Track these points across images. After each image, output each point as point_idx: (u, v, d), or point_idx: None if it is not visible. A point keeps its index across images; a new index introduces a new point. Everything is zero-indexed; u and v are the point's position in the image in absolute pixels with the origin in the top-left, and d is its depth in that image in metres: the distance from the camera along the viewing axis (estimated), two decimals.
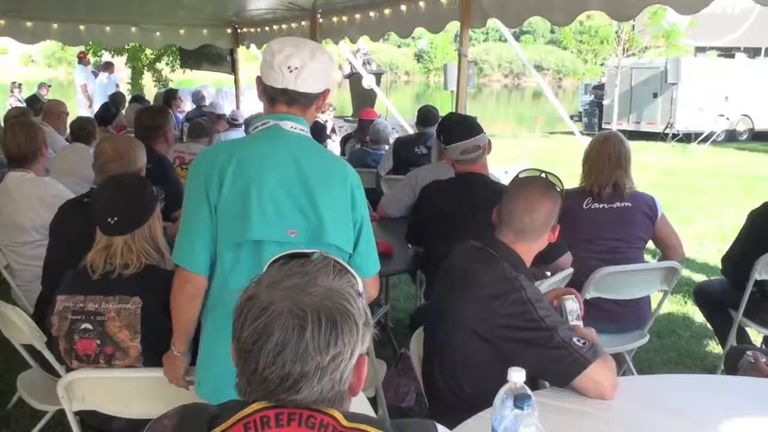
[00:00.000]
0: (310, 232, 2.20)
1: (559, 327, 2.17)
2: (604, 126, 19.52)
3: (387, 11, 6.95)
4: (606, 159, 3.71)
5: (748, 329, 4.17)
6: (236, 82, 11.21)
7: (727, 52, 20.78)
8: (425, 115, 6.59)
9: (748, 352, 2.87)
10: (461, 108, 6.01)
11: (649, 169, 14.07)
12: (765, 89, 17.78)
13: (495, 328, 2.21)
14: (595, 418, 2.02)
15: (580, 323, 2.43)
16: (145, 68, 16.61)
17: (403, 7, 6.66)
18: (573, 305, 2.46)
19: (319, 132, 5.07)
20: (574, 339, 2.15)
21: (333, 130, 13.40)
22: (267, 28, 9.85)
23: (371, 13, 7.25)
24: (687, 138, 18.21)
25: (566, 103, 38.68)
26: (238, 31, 10.63)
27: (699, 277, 6.29)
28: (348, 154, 7.70)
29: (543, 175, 2.51)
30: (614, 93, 18.08)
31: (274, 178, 2.18)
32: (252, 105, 15.98)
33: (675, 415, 2.03)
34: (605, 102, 19.62)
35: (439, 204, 3.47)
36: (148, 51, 15.69)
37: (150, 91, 16.68)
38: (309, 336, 1.11)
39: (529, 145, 17.59)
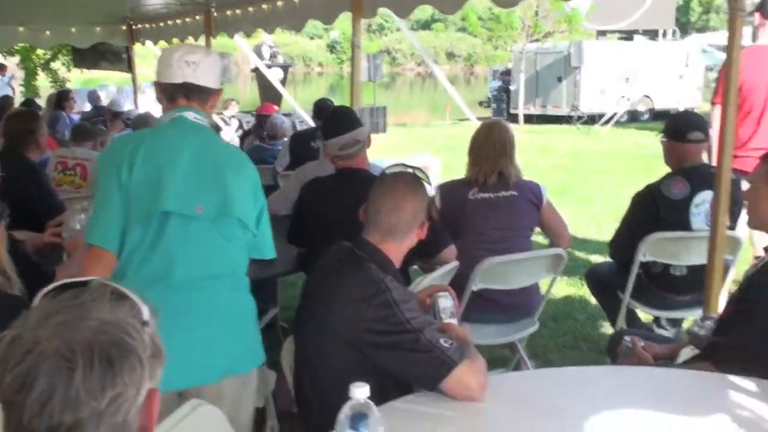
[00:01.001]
0: (217, 207, 2.36)
1: (426, 328, 2.10)
2: (512, 111, 19.79)
3: (280, 3, 6.79)
4: (491, 147, 3.70)
5: (638, 311, 4.22)
6: (133, 80, 10.85)
7: (627, 35, 21.35)
8: (320, 108, 6.49)
9: (626, 337, 2.88)
10: (357, 100, 5.91)
11: (554, 153, 14.34)
12: (663, 70, 18.32)
13: (361, 333, 2.13)
14: (458, 423, 1.97)
15: (455, 321, 2.38)
16: (39, 69, 15.90)
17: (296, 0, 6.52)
18: (446, 302, 2.40)
19: None
20: (441, 340, 2.08)
21: (240, 126, 13.16)
22: (162, 24, 9.54)
23: (264, 6, 7.07)
24: (591, 120, 18.62)
25: (478, 90, 39.13)
26: (133, 27, 10.26)
27: (596, 259, 6.39)
28: (245, 151, 7.54)
29: (410, 170, 2.45)
30: (520, 78, 18.32)
31: (186, 157, 2.34)
32: (152, 103, 15.64)
33: (544, 413, 1.99)
34: (512, 87, 19.88)
35: (319, 202, 3.37)
36: (40, 51, 15.01)
37: (46, 92, 16.03)
38: (79, 379, 0.96)
39: (439, 134, 17.68)
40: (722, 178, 3.34)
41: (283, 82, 17.09)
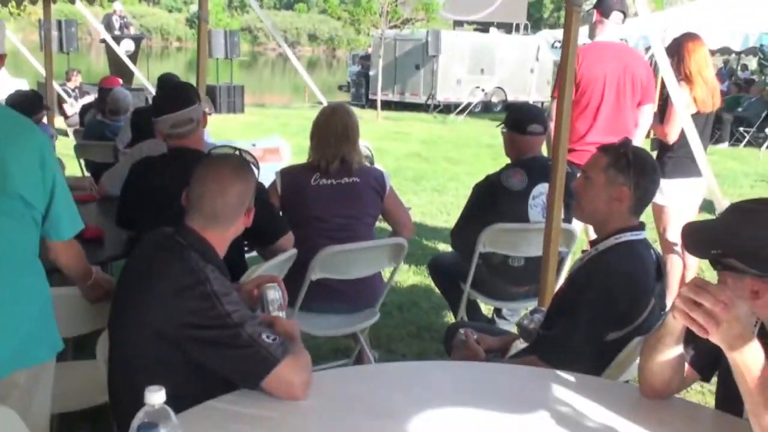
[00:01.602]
0: None
1: (247, 322, 1.97)
2: (371, 96, 19.84)
3: None
4: (332, 133, 3.59)
5: (479, 302, 4.27)
6: None
7: (483, 27, 21.89)
8: (164, 82, 6.16)
9: (461, 330, 2.88)
10: (203, 77, 5.65)
11: (410, 140, 14.49)
12: (516, 63, 18.89)
13: (178, 326, 1.97)
14: (278, 425, 1.86)
15: (282, 314, 2.26)
16: None
17: None
18: (275, 294, 2.28)
19: (31, 102, 4.52)
20: (264, 335, 1.96)
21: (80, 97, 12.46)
22: None
23: None
24: (447, 109, 18.96)
25: (340, 73, 39.04)
26: None
27: (445, 248, 6.46)
28: (85, 126, 7.10)
29: (237, 152, 2.31)
30: (378, 64, 18.39)
31: None
32: None
33: (367, 412, 1.92)
34: (371, 73, 19.92)
35: (147, 182, 3.14)
36: None
37: None
38: None
39: (296, 116, 17.46)
40: (557, 170, 3.41)
41: (135, 54, 16.36)
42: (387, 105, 19.83)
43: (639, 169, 2.45)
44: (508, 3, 20.66)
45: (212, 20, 56.59)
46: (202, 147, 3.20)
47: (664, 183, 4.84)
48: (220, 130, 14.23)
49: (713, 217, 2.33)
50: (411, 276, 5.69)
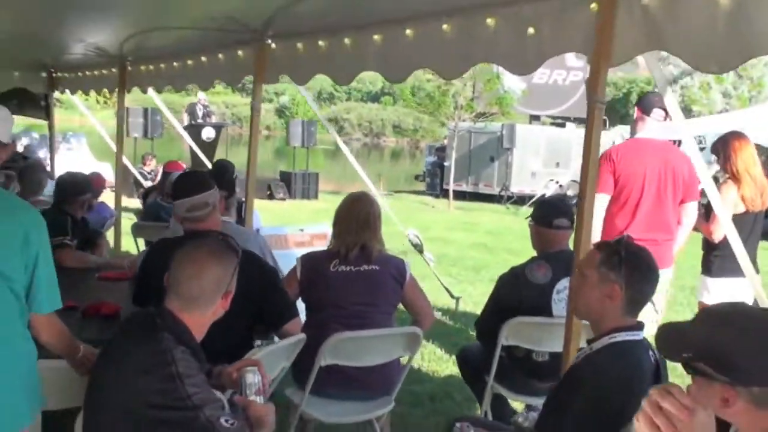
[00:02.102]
0: None
1: (207, 406, 1.98)
2: (445, 186, 19.96)
3: (189, 62, 6.76)
4: (354, 220, 3.63)
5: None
6: (51, 128, 10.60)
7: (559, 122, 21.92)
8: (220, 169, 6.38)
9: (457, 424, 2.79)
10: (253, 163, 5.81)
11: (477, 230, 14.44)
12: None
13: (142, 406, 1.99)
14: None
15: (260, 398, 2.26)
16: None
17: (204, 59, 6.50)
18: (253, 378, 2.28)
19: (76, 183, 4.74)
20: (222, 419, 1.96)
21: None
22: (80, 74, 9.41)
23: (175, 64, 7.03)
24: (521, 201, 18.88)
25: (421, 163, 39.63)
26: (53, 75, 10.10)
27: None
28: (145, 207, 7.36)
29: (219, 237, 2.35)
30: (452, 155, 18.59)
31: None
32: (73, 153, 15.31)
33: None
34: (446, 163, 20.11)
35: (162, 263, 3.21)
36: None
37: None
38: None
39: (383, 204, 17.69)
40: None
41: (215, 141, 17.03)
42: (461, 195, 19.91)
43: (631, 267, 2.37)
44: (585, 99, 20.68)
45: (300, 110, 58.38)
46: (219, 230, 3.28)
47: (711, 282, 4.69)
48: (290, 214, 14.56)
49: None
50: (450, 366, 5.58)
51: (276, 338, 3.32)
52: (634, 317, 2.42)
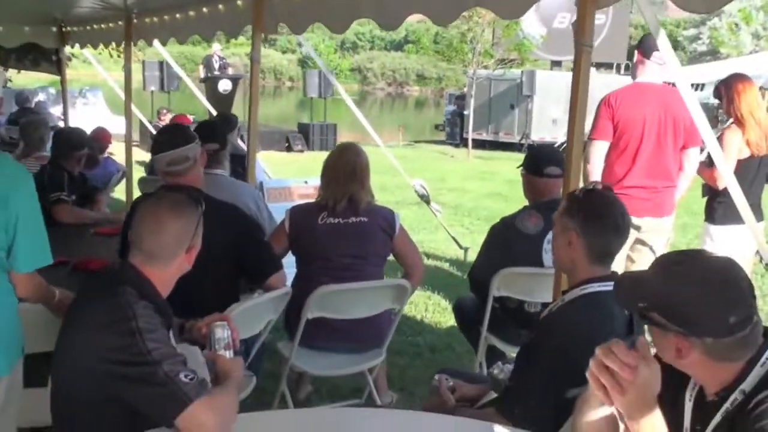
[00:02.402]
0: None
1: (167, 360, 1.97)
2: (465, 135, 19.77)
3: (192, 13, 6.68)
4: (341, 172, 3.59)
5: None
6: (63, 83, 10.59)
7: None
8: (223, 121, 6.36)
9: (436, 376, 2.77)
10: (254, 115, 5.77)
11: (495, 179, 14.32)
12: None
13: (100, 361, 1.99)
14: None
15: (228, 353, 2.25)
16: None
17: (205, 10, 6.42)
18: (222, 333, 2.27)
19: (69, 139, 4.73)
20: (182, 374, 1.95)
21: None
22: (89, 28, 9.36)
23: (178, 15, 6.95)
24: None
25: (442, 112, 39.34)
26: (63, 30, 10.05)
27: None
28: (150, 162, 7.37)
29: (182, 191, 2.33)
30: (470, 103, 18.36)
31: None
32: (87, 108, 15.34)
33: None
34: (466, 112, 19.87)
35: None
36: None
37: None
38: None
39: (383, 155, 17.61)
40: None
41: (233, 93, 16.97)
42: (481, 144, 19.71)
43: (585, 213, 2.32)
44: (608, 43, 20.24)
45: (326, 60, 57.93)
46: (200, 185, 3.25)
47: (714, 229, 4.60)
48: (307, 166, 14.52)
49: None
50: (448, 316, 5.57)
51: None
52: (605, 267, 2.36)
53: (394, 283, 3.52)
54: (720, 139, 4.51)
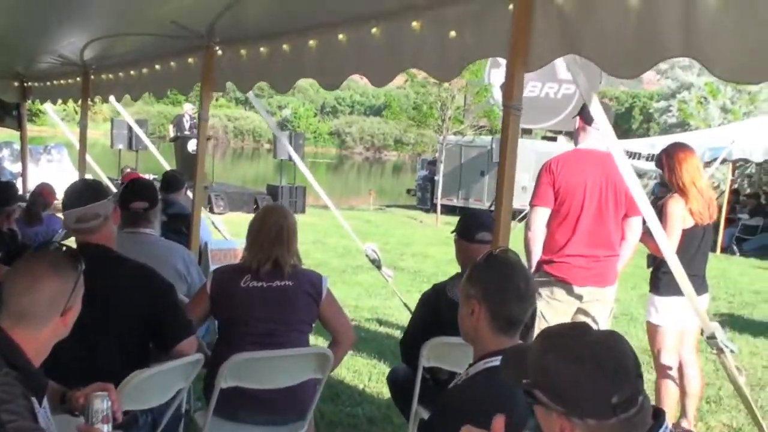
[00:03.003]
0: None
1: None
2: (435, 201, 19.78)
3: (144, 70, 6.64)
4: (266, 234, 3.46)
5: None
6: (23, 139, 10.48)
7: (550, 136, 21.76)
8: (168, 180, 6.25)
9: None
10: (201, 177, 5.68)
11: None
12: None
13: None
14: None
15: (105, 426, 2.09)
16: None
17: (157, 67, 6.37)
18: (100, 404, 2.11)
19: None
20: None
21: None
22: (48, 83, 9.30)
23: (132, 72, 6.91)
24: (512, 216, 18.65)
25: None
26: (25, 84, 9.98)
27: None
28: None
29: (62, 248, 2.18)
30: (440, 169, 18.42)
31: None
32: (48, 166, 15.16)
33: None
34: (437, 177, 19.93)
35: None
36: None
37: None
38: None
39: (355, 217, 17.55)
40: None
41: None
42: (452, 210, 19.70)
43: (486, 278, 2.20)
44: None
45: (302, 124, 58.44)
46: (112, 243, 3.11)
47: (659, 300, 4.51)
48: None
49: None
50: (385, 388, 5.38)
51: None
52: (512, 338, 2.23)
53: (315, 352, 3.36)
54: (663, 208, 4.46)
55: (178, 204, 6.10)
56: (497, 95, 18.95)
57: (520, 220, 18.10)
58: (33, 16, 5.76)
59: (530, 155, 19.56)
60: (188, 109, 16.95)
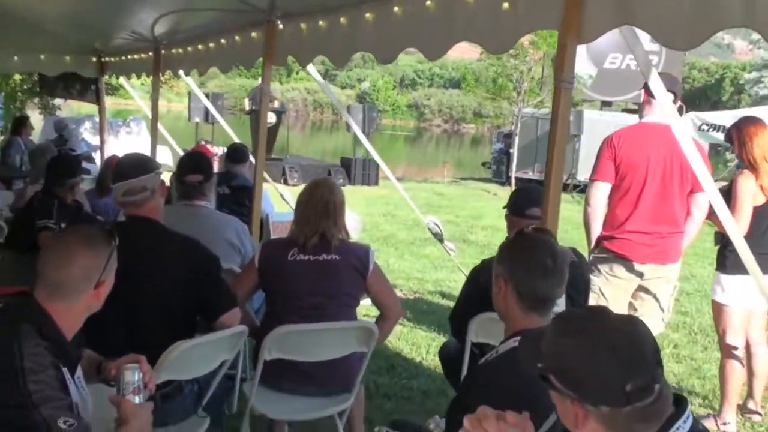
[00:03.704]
0: None
1: (47, 404, 1.85)
2: (510, 175, 19.52)
3: (212, 45, 6.72)
4: (312, 208, 3.46)
5: None
6: (101, 112, 10.78)
7: (631, 108, 21.09)
8: (233, 152, 6.33)
9: (376, 428, 2.61)
10: (261, 148, 5.71)
11: None
12: None
13: None
14: None
15: (137, 398, 2.12)
16: (21, 95, 15.53)
17: (223, 41, 6.45)
18: (131, 377, 2.14)
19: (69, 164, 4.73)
20: (60, 420, 1.84)
21: None
22: (123, 58, 9.53)
23: (200, 47, 7.01)
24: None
25: None
26: (103, 60, 10.26)
27: None
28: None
29: (97, 225, 2.22)
30: (515, 142, 18.13)
31: None
32: (126, 139, 15.59)
33: None
34: (512, 150, 19.63)
35: None
36: (17, 77, 14.80)
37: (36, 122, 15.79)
38: None
39: (428, 189, 17.51)
40: None
41: (277, 126, 17.11)
42: (527, 183, 19.40)
43: (511, 257, 2.14)
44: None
45: (381, 96, 58.39)
46: (158, 216, 3.15)
47: (725, 279, 4.34)
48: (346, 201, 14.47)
49: None
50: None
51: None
52: (543, 316, 2.15)
53: (359, 326, 3.35)
54: (733, 185, 4.27)
55: (242, 176, 6.17)
56: (577, 68, 18.48)
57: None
58: None
59: (609, 128, 19.05)
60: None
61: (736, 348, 4.32)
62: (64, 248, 2.10)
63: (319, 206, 3.44)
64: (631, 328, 1.48)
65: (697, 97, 66.91)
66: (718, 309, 4.39)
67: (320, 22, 4.85)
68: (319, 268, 3.42)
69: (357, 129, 7.47)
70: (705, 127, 15.12)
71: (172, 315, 3.02)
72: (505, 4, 3.30)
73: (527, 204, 3.48)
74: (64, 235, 2.16)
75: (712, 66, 72.51)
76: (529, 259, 2.14)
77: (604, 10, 2.90)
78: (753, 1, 2.31)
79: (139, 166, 3.14)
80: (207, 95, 16.41)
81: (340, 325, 3.35)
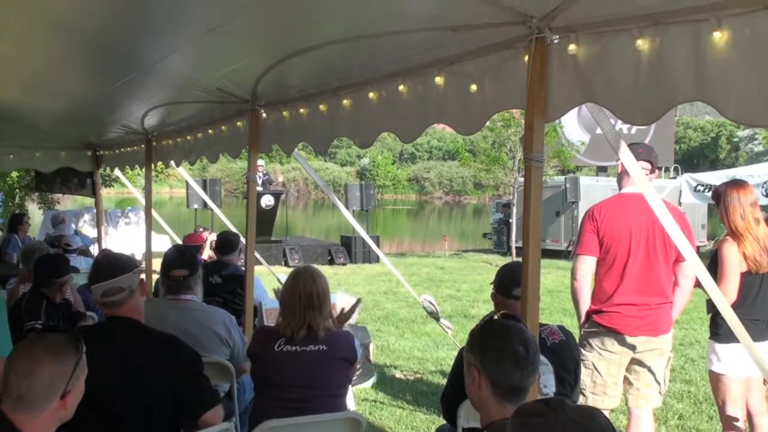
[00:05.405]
0: None
1: None
2: (511, 244, 19.51)
3: (200, 135, 6.83)
4: (296, 300, 3.44)
5: None
6: (97, 205, 10.87)
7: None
8: (221, 244, 6.34)
9: None
10: (251, 232, 5.72)
11: None
12: None
13: None
14: None
15: None
16: (19, 191, 15.75)
17: (210, 131, 6.55)
18: None
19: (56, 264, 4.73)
20: None
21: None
22: (117, 151, 9.68)
23: (188, 137, 7.12)
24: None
25: None
26: (98, 153, 10.40)
27: None
28: None
29: (63, 332, 2.21)
30: (513, 212, 18.18)
31: None
32: (125, 229, 15.71)
33: None
34: (511, 220, 19.68)
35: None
36: (14, 174, 14.99)
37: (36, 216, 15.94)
38: None
39: (429, 264, 17.47)
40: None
41: (275, 208, 17.23)
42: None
43: (483, 346, 2.11)
44: (654, 146, 20.01)
45: (381, 172, 58.83)
46: (139, 315, 3.14)
47: (720, 348, 4.28)
48: (346, 279, 14.44)
49: None
50: None
51: None
52: (516, 405, 2.11)
53: (346, 416, 3.29)
54: (718, 252, 4.25)
55: (233, 265, 6.18)
56: (569, 135, 18.72)
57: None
58: (100, 90, 6.05)
59: (605, 193, 19.15)
60: (260, 165, 17.34)
61: (737, 419, 4.22)
62: (28, 359, 2.08)
63: (303, 298, 3.43)
64: (587, 420, 1.45)
65: (695, 157, 67.41)
66: (715, 379, 4.31)
67: (301, 110, 4.94)
68: (307, 360, 3.39)
69: (343, 209, 7.53)
70: (701, 188, 15.14)
71: (153, 414, 2.97)
72: (473, 87, 3.36)
73: (513, 284, 3.46)
74: (30, 345, 2.14)
75: (707, 125, 73.18)
76: (501, 347, 2.12)
77: (567, 89, 2.95)
78: (702, 77, 2.35)
79: (116, 266, 3.14)
80: (205, 181, 16.63)
81: (326, 418, 3.29)
